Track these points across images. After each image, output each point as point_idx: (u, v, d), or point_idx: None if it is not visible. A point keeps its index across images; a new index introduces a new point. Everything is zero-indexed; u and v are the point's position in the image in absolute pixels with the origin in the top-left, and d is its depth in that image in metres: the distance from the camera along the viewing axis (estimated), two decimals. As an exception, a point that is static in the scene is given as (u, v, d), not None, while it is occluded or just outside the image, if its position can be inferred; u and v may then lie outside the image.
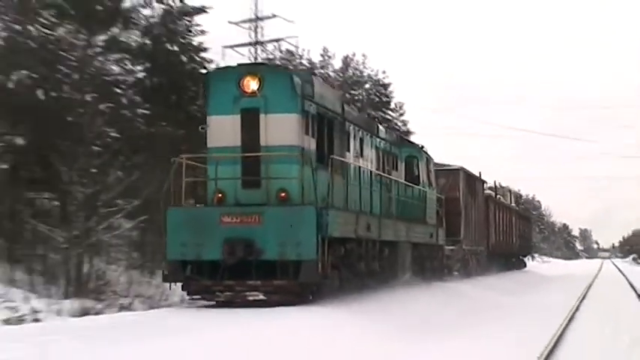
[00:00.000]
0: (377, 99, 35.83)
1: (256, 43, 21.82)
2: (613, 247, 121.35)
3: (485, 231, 27.88)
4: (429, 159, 18.74)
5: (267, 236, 10.19)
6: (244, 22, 26.77)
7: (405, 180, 17.01)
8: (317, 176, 10.91)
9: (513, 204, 43.37)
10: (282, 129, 10.78)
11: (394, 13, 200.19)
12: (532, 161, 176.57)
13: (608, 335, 10.93)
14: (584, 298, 19.11)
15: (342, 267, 11.92)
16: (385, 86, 36.92)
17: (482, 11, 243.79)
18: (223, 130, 11.12)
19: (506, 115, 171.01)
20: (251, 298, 10.20)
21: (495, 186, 36.20)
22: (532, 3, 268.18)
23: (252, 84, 10.99)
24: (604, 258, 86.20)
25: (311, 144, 11.42)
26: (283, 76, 11.19)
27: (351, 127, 13.61)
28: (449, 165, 29.99)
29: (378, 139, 15.36)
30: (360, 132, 14.13)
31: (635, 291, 20.55)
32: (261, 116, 10.93)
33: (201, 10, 16.35)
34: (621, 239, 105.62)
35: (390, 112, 36.39)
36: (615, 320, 13.12)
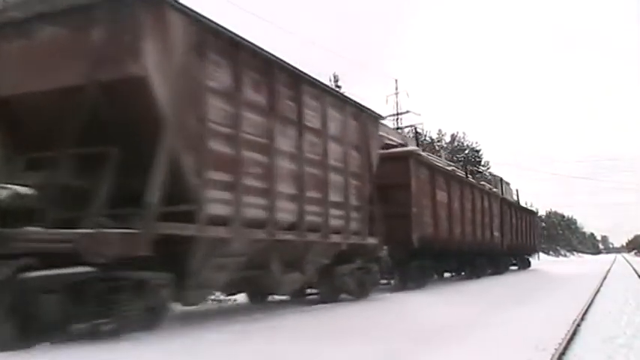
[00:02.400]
0: (473, 159, 58.74)
1: (398, 128, 34.80)
2: (622, 246, 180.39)
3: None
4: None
5: None
6: (390, 115, 43.39)
7: None
8: None
9: (512, 198, 33.71)
10: None
11: (490, 94, 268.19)
12: (574, 193, 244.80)
13: (620, 271, 27.96)
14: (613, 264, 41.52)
15: None
16: (477, 151, 62.83)
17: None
18: None
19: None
20: None
21: (466, 169, 25.16)
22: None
23: None
24: (616, 253, 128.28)
25: None
26: None
27: None
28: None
29: None
30: None
31: (628, 261, 47.45)
32: None
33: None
34: (627, 241, 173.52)
35: (481, 167, 56.55)
36: (624, 266, 37.09)
